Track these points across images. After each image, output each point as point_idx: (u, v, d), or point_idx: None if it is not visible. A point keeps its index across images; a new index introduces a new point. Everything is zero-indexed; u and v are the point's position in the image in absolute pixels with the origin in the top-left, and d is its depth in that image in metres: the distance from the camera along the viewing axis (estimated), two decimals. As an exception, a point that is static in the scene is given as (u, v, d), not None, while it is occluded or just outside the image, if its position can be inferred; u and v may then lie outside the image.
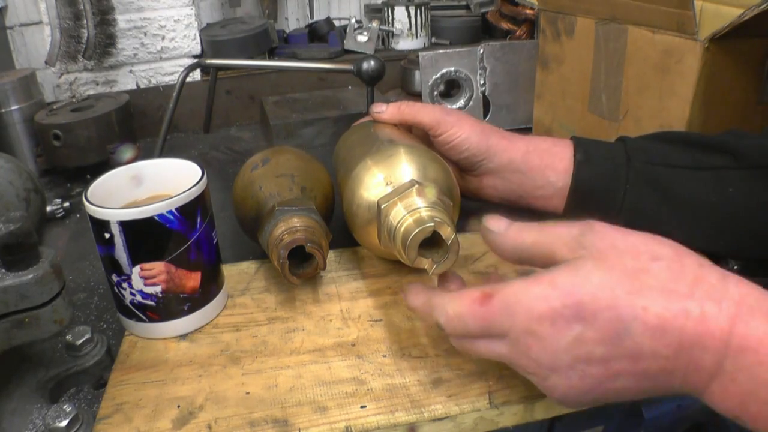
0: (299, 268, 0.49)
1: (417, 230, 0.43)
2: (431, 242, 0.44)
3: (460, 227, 0.60)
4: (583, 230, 0.36)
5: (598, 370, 0.33)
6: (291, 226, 0.47)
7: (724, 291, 0.32)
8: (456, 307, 0.36)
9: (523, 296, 0.34)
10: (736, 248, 0.53)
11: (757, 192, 0.50)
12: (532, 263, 0.38)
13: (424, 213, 0.44)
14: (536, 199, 0.58)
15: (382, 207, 0.46)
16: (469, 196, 0.61)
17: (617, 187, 0.55)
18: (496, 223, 0.40)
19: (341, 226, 0.55)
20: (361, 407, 0.40)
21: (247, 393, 0.41)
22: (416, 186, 0.46)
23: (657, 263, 0.34)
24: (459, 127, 0.57)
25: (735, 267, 0.53)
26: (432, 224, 0.43)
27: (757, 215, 0.51)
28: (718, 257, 0.54)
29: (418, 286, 0.41)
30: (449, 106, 0.87)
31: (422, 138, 0.59)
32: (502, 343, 0.36)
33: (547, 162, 0.57)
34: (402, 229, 0.44)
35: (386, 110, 0.58)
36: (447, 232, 0.43)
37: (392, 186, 0.48)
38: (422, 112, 0.57)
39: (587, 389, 0.34)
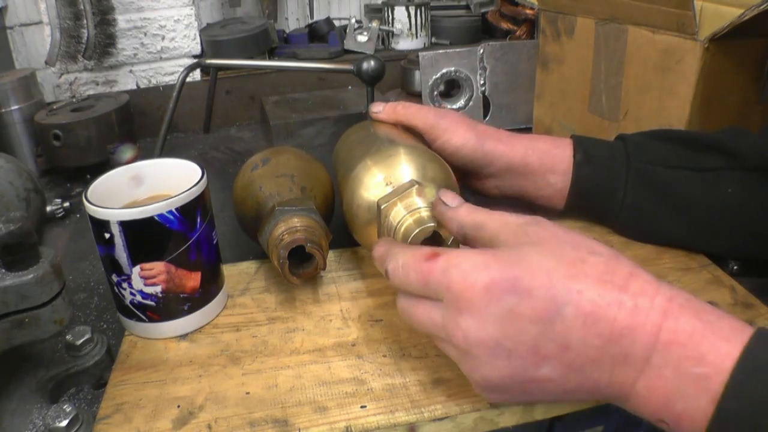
0: (299, 268, 0.49)
1: (417, 230, 0.43)
2: (432, 242, 0.44)
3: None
4: (529, 221, 0.37)
5: (525, 351, 0.33)
6: (291, 226, 0.47)
7: (657, 288, 0.33)
8: (405, 258, 0.37)
9: (465, 260, 0.34)
10: (735, 248, 0.53)
11: (755, 193, 0.51)
12: (474, 244, 0.39)
13: (424, 213, 0.44)
14: (538, 198, 0.59)
15: (382, 207, 0.46)
16: (471, 191, 0.62)
17: (617, 187, 0.55)
18: (451, 198, 0.41)
19: (341, 226, 0.55)
20: (361, 407, 0.40)
21: (247, 393, 0.41)
22: (416, 186, 0.46)
23: (595, 257, 0.34)
24: (452, 134, 0.56)
25: (735, 267, 0.53)
26: (432, 224, 0.43)
27: (757, 215, 0.51)
28: (718, 257, 0.54)
29: (386, 239, 0.43)
30: (449, 107, 0.87)
31: (422, 137, 0.59)
32: (437, 307, 0.36)
33: (547, 164, 0.57)
34: (402, 229, 0.44)
35: (383, 110, 0.58)
36: (446, 231, 0.43)
37: (392, 186, 0.48)
38: (416, 116, 0.57)
39: (512, 374, 0.34)
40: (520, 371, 0.34)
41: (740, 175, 0.51)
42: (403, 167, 0.49)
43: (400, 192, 0.46)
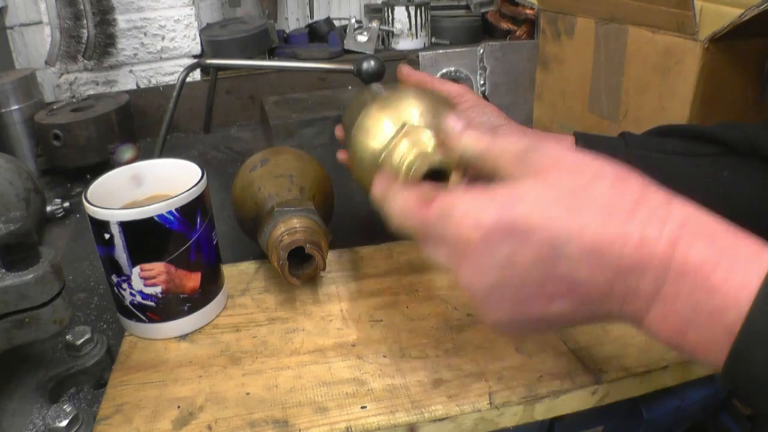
0: (299, 269, 0.49)
1: (419, 162, 0.40)
2: (438, 176, 0.42)
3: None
4: (528, 147, 0.35)
5: (532, 293, 0.32)
6: (290, 227, 0.47)
7: (667, 213, 0.32)
8: (401, 203, 0.36)
9: (460, 205, 0.33)
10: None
11: (751, 176, 0.52)
12: (475, 171, 0.38)
13: (430, 147, 0.42)
14: None
15: (390, 145, 0.43)
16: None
17: None
18: (455, 122, 0.38)
19: (341, 226, 0.55)
20: (362, 408, 0.39)
21: (248, 393, 0.41)
22: (425, 125, 0.44)
23: (599, 181, 0.32)
24: (481, 99, 0.59)
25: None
26: (437, 157, 0.41)
27: (754, 198, 0.52)
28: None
29: (385, 175, 0.40)
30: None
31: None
32: (441, 249, 0.35)
33: (552, 139, 0.59)
34: (406, 162, 0.42)
35: (413, 74, 0.59)
36: (451, 162, 0.41)
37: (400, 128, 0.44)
38: (448, 83, 0.59)
39: (522, 314, 0.33)
40: (530, 311, 0.33)
41: (734, 160, 0.52)
42: (412, 108, 0.45)
43: (407, 130, 0.43)
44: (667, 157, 0.55)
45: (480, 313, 0.35)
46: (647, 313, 0.32)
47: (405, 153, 0.42)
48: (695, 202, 0.54)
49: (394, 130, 0.44)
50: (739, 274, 0.29)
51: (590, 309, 0.33)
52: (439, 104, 0.46)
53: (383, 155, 0.43)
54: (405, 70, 0.60)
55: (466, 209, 0.33)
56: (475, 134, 0.37)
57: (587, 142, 0.58)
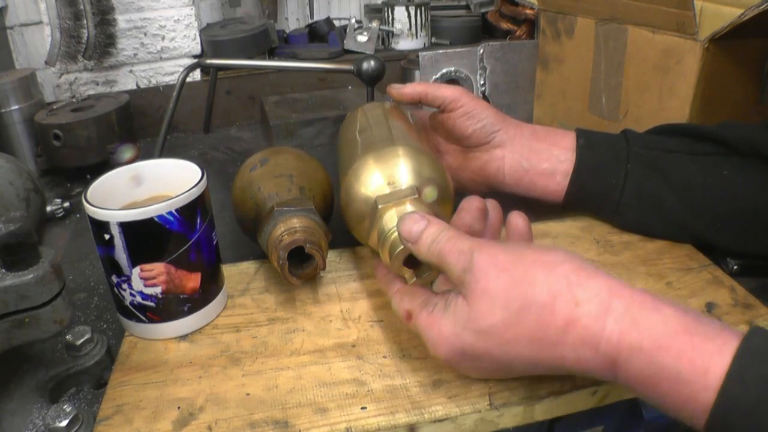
0: (299, 269, 0.48)
1: (399, 248, 0.43)
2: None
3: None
4: (465, 266, 0.38)
5: (496, 367, 0.39)
6: (290, 227, 0.47)
7: (599, 333, 0.33)
8: (395, 306, 0.43)
9: (425, 332, 0.40)
10: (732, 232, 0.53)
11: (750, 175, 0.52)
12: (437, 268, 0.42)
13: None
14: (540, 175, 0.58)
15: (379, 207, 0.47)
16: (472, 178, 0.62)
17: (618, 166, 0.56)
18: (409, 233, 0.42)
19: (341, 226, 0.55)
20: (362, 408, 0.39)
21: (248, 394, 0.41)
22: (413, 196, 0.47)
23: (526, 314, 0.35)
24: (477, 102, 0.59)
25: (735, 267, 0.53)
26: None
27: (753, 199, 0.52)
28: (717, 256, 0.54)
29: (384, 269, 0.47)
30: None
31: (426, 126, 0.62)
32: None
33: (552, 139, 0.59)
34: (391, 239, 0.45)
35: (405, 88, 0.60)
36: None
37: (391, 186, 0.48)
38: (443, 89, 0.59)
39: (491, 374, 0.41)
40: (498, 372, 0.40)
41: (733, 161, 0.53)
42: (401, 167, 0.49)
43: (397, 197, 0.47)
44: (668, 155, 0.55)
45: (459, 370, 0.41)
46: (614, 380, 0.35)
47: (392, 228, 0.45)
48: (697, 200, 0.54)
49: (385, 184, 0.49)
50: (685, 390, 0.31)
51: (558, 366, 0.37)
52: (427, 166, 0.50)
53: (375, 215, 0.48)
54: (395, 92, 0.61)
55: (428, 340, 0.39)
56: (428, 243, 0.41)
57: (588, 138, 0.58)
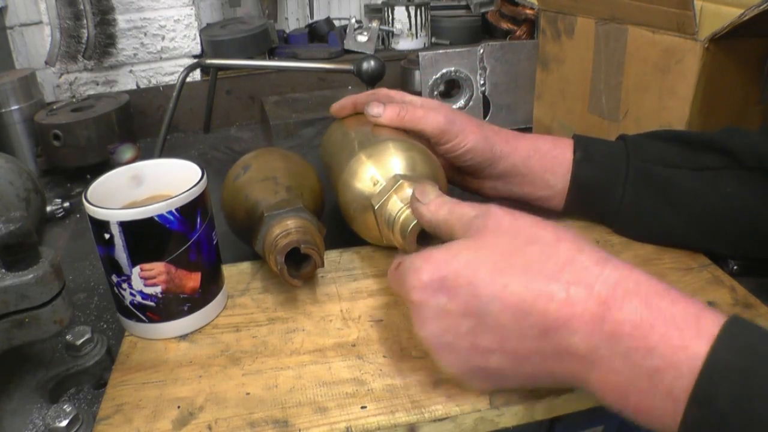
0: (298, 269, 0.48)
1: (414, 222, 0.45)
2: (425, 234, 0.46)
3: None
4: (478, 213, 0.38)
5: (467, 344, 0.35)
6: (283, 230, 0.47)
7: (597, 274, 0.32)
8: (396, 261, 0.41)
9: (408, 267, 0.37)
10: (735, 246, 0.53)
11: (754, 192, 0.51)
12: (440, 237, 0.41)
13: None
14: (536, 200, 0.58)
15: (380, 202, 0.49)
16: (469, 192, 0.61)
17: (616, 184, 0.55)
18: (421, 193, 0.43)
19: (340, 226, 0.55)
20: (362, 408, 0.39)
21: (248, 393, 0.41)
22: (405, 179, 0.48)
23: (531, 246, 0.34)
24: (464, 137, 0.54)
25: (735, 267, 0.53)
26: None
27: (756, 214, 0.51)
28: (718, 257, 0.54)
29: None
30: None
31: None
32: (408, 304, 0.38)
33: (548, 166, 0.56)
34: (401, 218, 0.46)
35: (385, 114, 0.55)
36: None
37: (384, 180, 0.50)
38: (424, 120, 0.54)
39: (467, 366, 0.36)
40: (471, 362, 0.36)
41: (739, 174, 0.51)
42: (394, 160, 0.51)
43: (391, 186, 0.48)
44: (669, 172, 0.53)
45: (437, 363, 0.38)
46: (589, 374, 0.32)
47: (399, 209, 0.47)
48: (697, 216, 0.53)
49: (383, 179, 0.50)
50: (676, 334, 0.29)
51: (531, 366, 0.34)
52: (418, 154, 0.52)
53: (377, 206, 0.49)
54: (374, 112, 0.55)
55: (411, 269, 0.37)
56: (437, 205, 0.41)
57: (586, 146, 0.56)
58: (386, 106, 0.55)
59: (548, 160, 0.56)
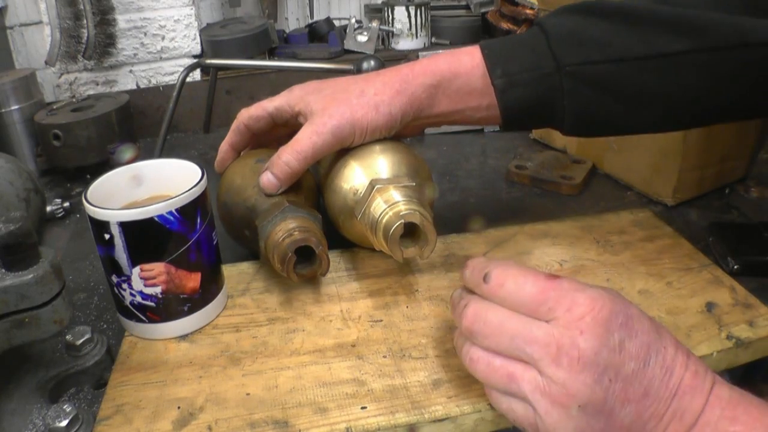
0: (298, 269, 0.48)
1: (398, 222, 0.46)
2: (410, 234, 0.48)
3: (460, 227, 0.60)
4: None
5: (620, 388, 0.33)
6: (301, 225, 0.47)
7: (702, 363, 0.35)
8: (522, 276, 0.36)
9: (587, 287, 0.35)
10: (687, 126, 0.51)
11: (723, 74, 0.45)
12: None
13: (402, 206, 0.47)
14: (478, 122, 0.53)
15: (361, 211, 0.50)
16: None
17: (553, 100, 0.48)
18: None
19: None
20: (362, 408, 0.39)
21: (248, 394, 0.41)
22: (392, 182, 0.49)
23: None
24: (362, 132, 0.51)
25: (735, 267, 0.53)
26: (411, 217, 0.46)
27: (722, 97, 0.46)
28: (717, 256, 0.54)
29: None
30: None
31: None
32: (543, 325, 0.35)
33: (469, 104, 0.50)
34: (384, 220, 0.47)
35: (280, 180, 0.51)
36: (428, 224, 0.47)
37: (373, 182, 0.50)
38: (316, 148, 0.50)
39: (603, 405, 0.33)
40: (609, 405, 0.33)
41: (704, 59, 0.44)
42: (380, 162, 0.52)
43: (369, 193, 0.49)
44: (613, 68, 0.45)
45: (556, 394, 0.34)
46: None
47: (382, 211, 0.47)
48: (652, 107, 0.48)
49: (367, 180, 0.51)
50: (755, 408, 0.33)
51: (639, 428, 0.34)
52: (403, 154, 0.53)
53: (362, 209, 0.49)
54: (269, 189, 0.51)
55: (594, 291, 0.35)
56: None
57: (504, 68, 0.48)
58: (272, 173, 0.51)
59: (467, 98, 0.50)
